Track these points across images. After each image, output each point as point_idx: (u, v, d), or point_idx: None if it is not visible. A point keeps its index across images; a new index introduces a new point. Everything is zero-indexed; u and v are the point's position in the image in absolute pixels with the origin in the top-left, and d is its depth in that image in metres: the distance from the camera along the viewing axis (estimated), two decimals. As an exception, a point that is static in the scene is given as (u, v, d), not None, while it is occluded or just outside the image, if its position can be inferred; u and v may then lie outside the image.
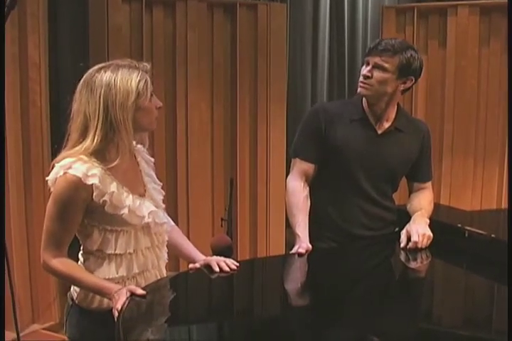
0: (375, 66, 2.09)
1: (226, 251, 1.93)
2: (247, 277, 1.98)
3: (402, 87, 2.14)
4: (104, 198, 1.61)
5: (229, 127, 4.01)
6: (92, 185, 1.59)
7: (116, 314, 1.48)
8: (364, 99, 2.20)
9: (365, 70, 2.11)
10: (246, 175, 4.06)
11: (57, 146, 1.67)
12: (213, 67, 3.90)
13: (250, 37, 3.93)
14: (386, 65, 2.07)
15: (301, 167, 2.24)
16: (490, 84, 3.84)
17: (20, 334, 2.69)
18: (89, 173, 1.58)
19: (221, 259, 1.80)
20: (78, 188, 1.58)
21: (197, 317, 1.63)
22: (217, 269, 1.77)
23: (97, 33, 3.59)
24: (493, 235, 2.03)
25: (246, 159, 4.05)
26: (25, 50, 3.06)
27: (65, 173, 1.58)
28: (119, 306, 1.49)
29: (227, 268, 1.77)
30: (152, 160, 1.87)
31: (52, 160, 3.20)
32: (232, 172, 4.02)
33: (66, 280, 1.68)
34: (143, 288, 1.58)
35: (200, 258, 1.86)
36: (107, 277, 1.67)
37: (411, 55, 2.09)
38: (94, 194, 1.60)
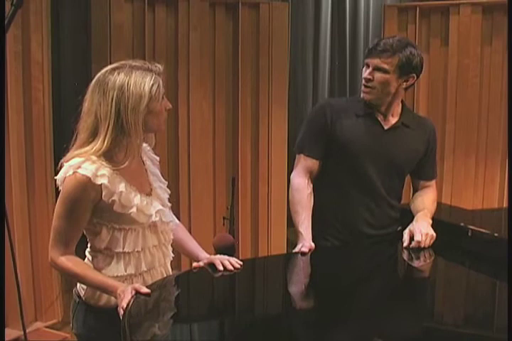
0: (376, 68, 2.08)
1: (229, 250, 1.93)
2: (251, 276, 1.98)
3: (404, 85, 2.14)
4: (113, 198, 1.62)
5: (231, 126, 4.01)
6: (101, 185, 1.60)
7: (121, 312, 1.48)
8: None
9: (366, 73, 2.11)
10: (248, 174, 4.07)
11: (66, 146, 1.67)
12: (215, 66, 3.90)
13: (252, 36, 3.93)
14: (386, 67, 2.07)
15: (306, 163, 2.23)
16: (492, 82, 3.83)
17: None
18: (99, 173, 1.59)
19: (225, 258, 1.81)
20: (87, 188, 1.59)
21: (201, 316, 1.63)
22: (221, 268, 1.77)
23: (99, 32, 3.59)
24: (496, 234, 2.03)
25: (248, 158, 4.05)
26: (28, 48, 3.06)
27: (74, 173, 1.59)
28: (124, 304, 1.49)
29: (230, 267, 1.77)
30: (157, 158, 1.88)
31: (55, 157, 3.20)
32: (234, 171, 4.02)
33: (72, 278, 1.69)
34: (148, 287, 1.59)
35: (204, 256, 1.87)
36: (115, 275, 1.68)
37: (410, 53, 2.08)
38: (103, 194, 1.60)
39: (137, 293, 1.54)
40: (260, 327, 1.54)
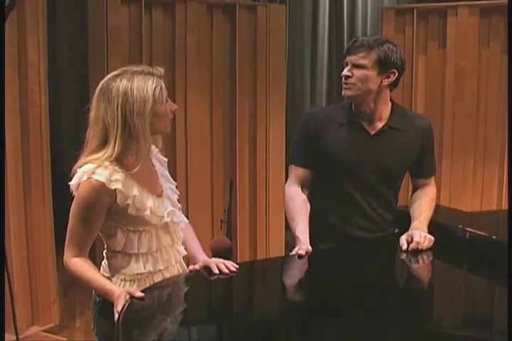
0: (354, 65, 2.07)
1: (226, 253, 1.94)
2: (247, 279, 1.97)
3: (386, 82, 2.10)
4: (127, 202, 1.66)
5: (228, 129, 4.00)
6: (115, 189, 1.64)
7: (116, 316, 1.49)
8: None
9: (345, 70, 2.10)
10: (245, 177, 4.06)
11: (78, 154, 1.70)
12: (213, 68, 3.89)
13: (249, 38, 3.93)
14: (364, 62, 2.05)
15: (297, 173, 2.25)
16: (490, 85, 3.84)
17: (20, 337, 2.69)
18: (113, 178, 1.63)
19: (220, 261, 1.80)
20: (102, 193, 1.63)
21: (196, 320, 1.62)
22: (216, 271, 1.77)
23: (96, 35, 3.58)
24: (494, 236, 2.02)
25: (245, 161, 4.04)
26: (24, 51, 3.06)
27: (88, 178, 1.62)
28: (119, 309, 1.50)
29: (226, 271, 1.77)
30: (165, 160, 1.95)
31: (51, 159, 3.19)
32: (232, 174, 4.01)
33: (77, 281, 1.70)
34: (142, 291, 1.59)
35: (202, 258, 1.87)
36: (135, 273, 1.73)
37: (388, 48, 2.06)
38: (118, 198, 1.65)
39: (131, 297, 1.55)
40: (256, 330, 1.53)
